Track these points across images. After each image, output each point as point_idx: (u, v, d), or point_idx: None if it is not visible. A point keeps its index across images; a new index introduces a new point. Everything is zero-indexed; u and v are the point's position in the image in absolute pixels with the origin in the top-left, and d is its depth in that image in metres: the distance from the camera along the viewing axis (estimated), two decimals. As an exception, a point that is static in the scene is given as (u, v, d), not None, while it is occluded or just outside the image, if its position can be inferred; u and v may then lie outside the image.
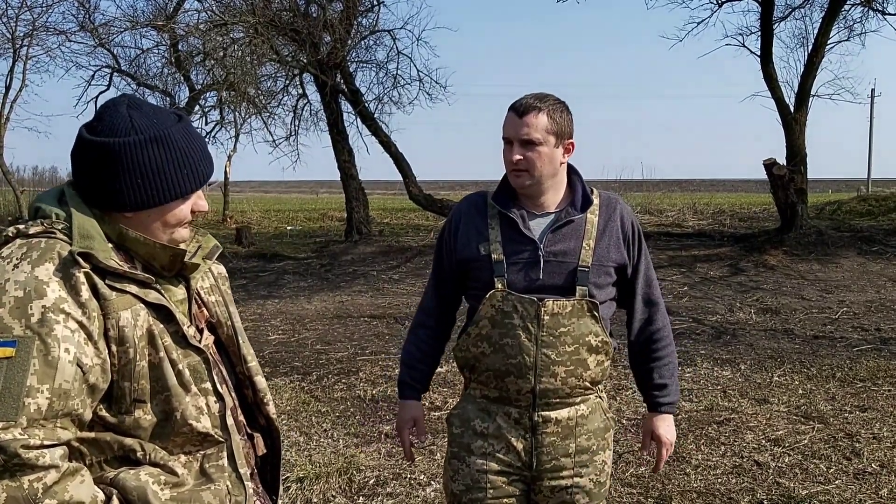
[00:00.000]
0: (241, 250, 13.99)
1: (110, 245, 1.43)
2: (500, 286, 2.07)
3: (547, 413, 2.09)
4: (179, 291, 1.55)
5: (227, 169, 21.54)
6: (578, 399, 2.12)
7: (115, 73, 18.25)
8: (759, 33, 13.41)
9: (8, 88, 16.96)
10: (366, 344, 7.56)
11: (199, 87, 18.00)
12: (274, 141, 16.11)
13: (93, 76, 17.81)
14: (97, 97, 18.37)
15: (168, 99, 19.44)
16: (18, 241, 1.37)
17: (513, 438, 2.10)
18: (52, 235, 1.38)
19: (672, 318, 8.45)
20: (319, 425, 5.06)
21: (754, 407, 5.31)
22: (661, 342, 2.24)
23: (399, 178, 15.05)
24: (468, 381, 2.21)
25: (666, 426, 2.25)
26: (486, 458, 2.12)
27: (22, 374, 1.25)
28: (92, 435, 1.38)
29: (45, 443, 1.25)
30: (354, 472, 4.15)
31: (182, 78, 18.00)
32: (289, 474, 4.10)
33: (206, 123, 19.41)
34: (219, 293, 1.68)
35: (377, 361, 6.75)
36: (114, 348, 1.37)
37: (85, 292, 1.33)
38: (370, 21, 14.58)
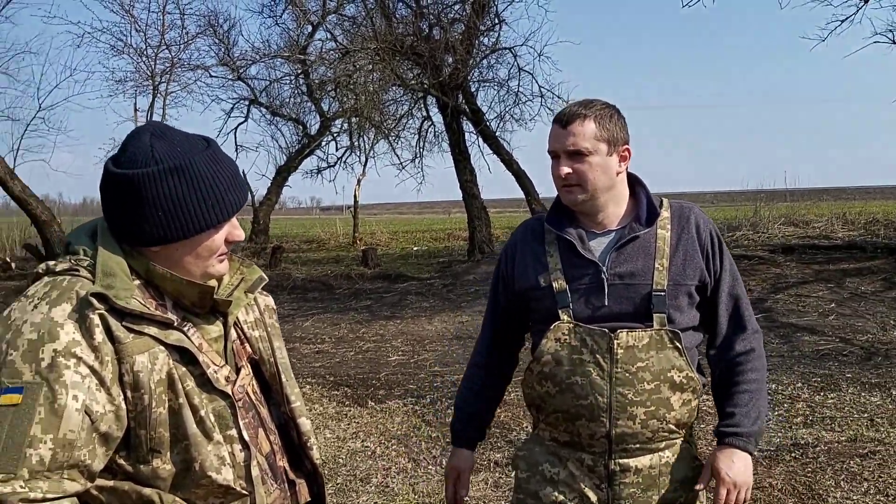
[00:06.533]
0: (366, 271, 14.26)
1: (137, 282, 1.36)
2: (565, 318, 1.86)
3: (625, 461, 1.85)
4: (214, 329, 1.45)
5: (357, 192, 22.13)
6: (663, 444, 1.87)
7: (252, 105, 19.25)
8: (913, 27, 12.29)
9: (148, 124, 18.39)
10: (483, 366, 7.42)
11: (329, 114, 18.67)
12: (400, 163, 16.43)
13: (231, 108, 18.87)
14: (236, 128, 19.44)
15: (301, 127, 20.29)
16: (45, 278, 1.33)
17: (586, 488, 1.87)
18: (76, 273, 1.32)
19: (816, 338, 7.86)
20: (429, 451, 4.97)
21: (907, 439, 4.74)
22: (744, 366, 1.92)
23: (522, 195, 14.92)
24: (536, 420, 2.01)
25: (728, 461, 1.85)
26: None
27: (26, 423, 1.19)
28: (110, 483, 1.31)
29: (49, 496, 1.19)
30: (457, 502, 4.01)
31: (313, 106, 18.74)
32: None
33: (337, 149, 20.14)
34: (263, 328, 1.58)
35: (493, 384, 6.58)
36: (129, 394, 1.29)
37: (99, 335, 1.26)
38: (491, 40, 14.56)
